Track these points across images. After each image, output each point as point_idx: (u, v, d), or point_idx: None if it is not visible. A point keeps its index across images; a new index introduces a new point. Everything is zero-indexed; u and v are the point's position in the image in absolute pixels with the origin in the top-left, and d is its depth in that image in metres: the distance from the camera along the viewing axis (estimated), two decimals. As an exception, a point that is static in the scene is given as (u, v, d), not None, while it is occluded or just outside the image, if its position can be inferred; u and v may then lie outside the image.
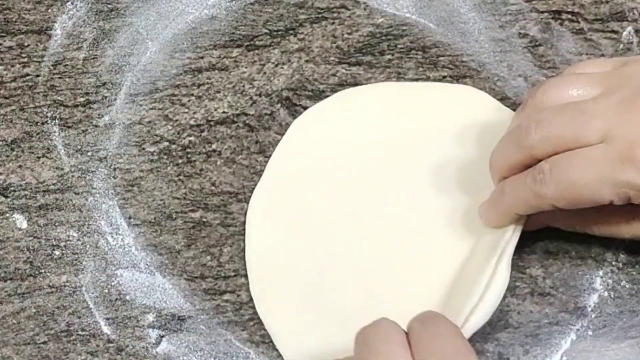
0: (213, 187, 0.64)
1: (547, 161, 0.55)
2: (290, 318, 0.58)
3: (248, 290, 0.61)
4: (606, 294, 0.59)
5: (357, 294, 0.58)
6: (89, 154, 0.65)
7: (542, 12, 0.67)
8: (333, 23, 0.68)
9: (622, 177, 0.52)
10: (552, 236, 0.61)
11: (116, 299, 0.61)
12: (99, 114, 0.66)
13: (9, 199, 0.64)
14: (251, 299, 0.60)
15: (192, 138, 0.65)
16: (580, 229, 0.59)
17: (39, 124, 0.66)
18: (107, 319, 0.60)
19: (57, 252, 0.62)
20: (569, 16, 0.67)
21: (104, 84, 0.67)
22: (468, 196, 0.60)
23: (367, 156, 0.62)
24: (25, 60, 0.67)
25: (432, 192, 0.60)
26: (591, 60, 0.61)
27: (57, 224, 0.63)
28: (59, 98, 0.66)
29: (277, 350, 0.59)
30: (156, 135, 0.65)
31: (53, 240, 0.63)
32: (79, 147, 0.65)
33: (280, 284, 0.59)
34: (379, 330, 0.51)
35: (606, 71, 0.57)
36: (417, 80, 0.66)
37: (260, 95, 0.66)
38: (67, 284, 0.61)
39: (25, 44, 0.68)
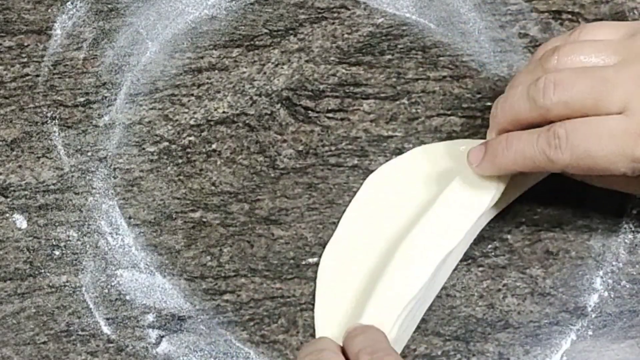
0: (213, 187, 0.64)
1: (563, 125, 0.54)
2: None
3: (248, 290, 0.61)
4: (606, 294, 0.59)
5: None
6: (89, 154, 0.65)
7: (542, 12, 0.67)
8: (333, 23, 0.68)
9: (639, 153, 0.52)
10: (552, 236, 0.61)
11: (116, 299, 0.61)
12: (99, 114, 0.66)
13: (9, 199, 0.64)
14: (251, 299, 0.60)
15: (192, 138, 0.65)
16: (578, 178, 0.59)
17: (39, 124, 0.66)
18: (107, 319, 0.60)
19: (57, 252, 0.62)
20: (569, 16, 0.67)
21: (104, 84, 0.67)
22: None
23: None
24: (25, 60, 0.67)
25: None
26: (599, 23, 0.58)
27: (57, 224, 0.63)
28: (59, 98, 0.66)
29: (277, 350, 0.59)
30: (156, 135, 0.65)
31: (53, 240, 0.63)
32: (79, 147, 0.65)
33: None
34: (315, 342, 0.55)
35: (620, 39, 0.56)
36: (417, 80, 0.66)
37: (260, 95, 0.66)
38: (67, 284, 0.61)
39: (25, 44, 0.68)
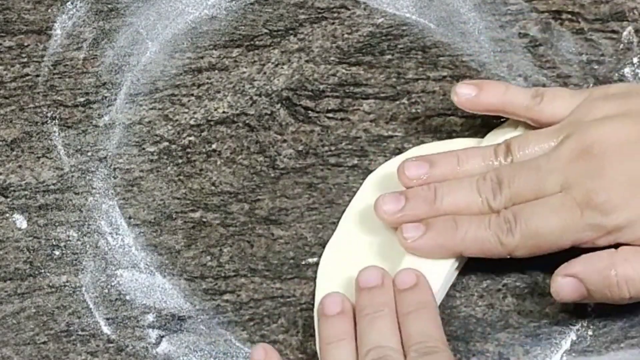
0: (213, 187, 0.64)
1: (510, 210, 0.57)
2: None
3: (248, 290, 0.61)
4: (606, 294, 0.59)
5: None
6: (89, 154, 0.65)
7: (542, 12, 0.67)
8: (333, 23, 0.68)
9: (584, 222, 0.55)
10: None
11: (116, 299, 0.61)
12: (99, 114, 0.66)
13: (9, 199, 0.64)
14: (251, 299, 0.60)
15: (192, 138, 0.65)
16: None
17: (39, 124, 0.66)
18: (107, 319, 0.60)
19: (57, 252, 0.62)
20: (569, 16, 0.67)
21: (104, 84, 0.67)
22: None
23: None
24: (25, 60, 0.67)
25: None
26: (558, 95, 0.61)
27: (57, 224, 0.63)
28: (59, 98, 0.66)
29: (276, 350, 0.59)
30: (156, 135, 0.65)
31: (53, 240, 0.63)
32: (79, 147, 0.65)
33: None
34: (380, 338, 0.55)
35: (561, 123, 0.59)
36: (417, 80, 0.66)
37: (260, 95, 0.66)
38: (67, 284, 0.61)
39: (25, 44, 0.68)
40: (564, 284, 0.56)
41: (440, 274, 0.58)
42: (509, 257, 0.57)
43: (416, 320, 0.55)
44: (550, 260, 0.60)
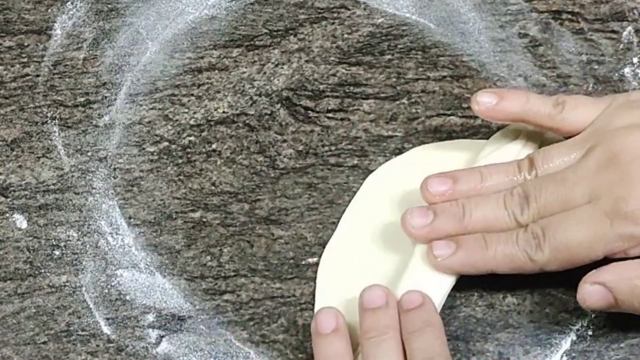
0: (213, 187, 0.64)
1: (538, 224, 0.56)
2: None
3: (248, 290, 0.61)
4: (606, 294, 0.59)
5: None
6: (89, 154, 0.65)
7: (542, 12, 0.67)
8: (333, 23, 0.68)
9: (614, 232, 0.55)
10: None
11: (116, 299, 0.61)
12: (99, 114, 0.66)
13: (9, 199, 0.64)
14: (251, 299, 0.60)
15: (192, 138, 0.65)
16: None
17: (39, 124, 0.66)
18: (107, 319, 0.60)
19: (57, 252, 0.62)
20: (569, 16, 0.67)
21: (104, 84, 0.67)
22: None
23: None
24: (25, 60, 0.67)
25: None
26: (579, 103, 0.60)
27: (57, 224, 0.63)
28: (59, 98, 0.66)
29: (276, 350, 0.59)
30: (156, 135, 0.65)
31: (53, 240, 0.63)
32: (79, 147, 0.65)
33: None
34: (377, 316, 0.55)
35: (584, 132, 0.58)
36: (417, 80, 0.66)
37: (260, 95, 0.66)
38: (67, 284, 0.61)
39: (25, 44, 0.68)
40: (592, 291, 0.55)
41: (445, 281, 0.58)
42: (541, 272, 0.56)
43: (421, 337, 0.54)
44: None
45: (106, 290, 0.61)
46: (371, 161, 0.64)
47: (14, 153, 0.65)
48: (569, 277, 0.60)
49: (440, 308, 0.58)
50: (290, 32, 0.68)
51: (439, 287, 0.57)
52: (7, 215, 0.63)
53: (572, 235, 0.55)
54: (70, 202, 0.64)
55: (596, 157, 0.56)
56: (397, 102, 0.65)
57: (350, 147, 0.64)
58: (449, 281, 0.57)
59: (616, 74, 0.65)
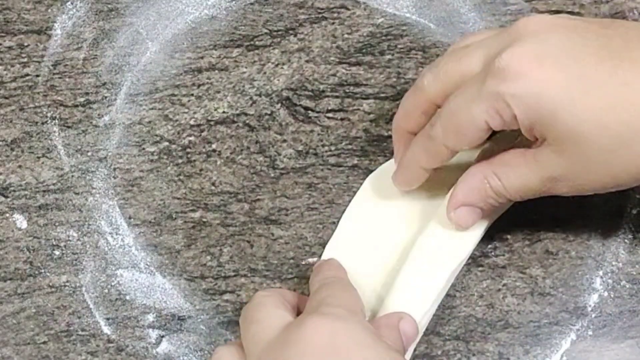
0: (213, 187, 0.64)
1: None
2: None
3: (248, 290, 0.61)
4: (606, 294, 0.59)
5: None
6: (89, 154, 0.65)
7: (542, 12, 0.67)
8: (333, 23, 0.68)
9: (484, 90, 0.52)
10: (552, 236, 0.61)
11: (116, 299, 0.61)
12: (99, 114, 0.66)
13: (9, 199, 0.64)
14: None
15: (192, 138, 0.65)
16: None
17: (39, 124, 0.66)
18: (107, 319, 0.60)
19: (57, 252, 0.62)
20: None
21: (104, 84, 0.67)
22: None
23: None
24: (25, 60, 0.67)
25: None
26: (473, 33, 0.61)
27: (57, 224, 0.63)
28: (59, 98, 0.66)
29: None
30: (156, 135, 0.65)
31: (53, 240, 0.63)
32: (79, 147, 0.65)
33: None
34: (252, 301, 0.55)
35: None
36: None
37: (260, 95, 0.66)
38: (67, 284, 0.61)
39: (25, 44, 0.68)
40: (459, 215, 0.56)
41: (438, 281, 0.58)
42: (450, 153, 0.56)
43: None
44: (550, 260, 0.60)
45: (106, 290, 0.61)
46: (371, 161, 0.64)
47: (14, 153, 0.65)
48: (569, 277, 0.60)
49: (433, 312, 0.58)
50: (290, 32, 0.68)
51: (434, 287, 0.57)
52: (7, 215, 0.63)
53: (456, 100, 0.54)
54: (70, 202, 0.64)
55: (499, 31, 0.55)
56: (397, 102, 0.65)
57: (350, 147, 0.64)
58: (442, 282, 0.57)
59: (616, 74, 0.65)
